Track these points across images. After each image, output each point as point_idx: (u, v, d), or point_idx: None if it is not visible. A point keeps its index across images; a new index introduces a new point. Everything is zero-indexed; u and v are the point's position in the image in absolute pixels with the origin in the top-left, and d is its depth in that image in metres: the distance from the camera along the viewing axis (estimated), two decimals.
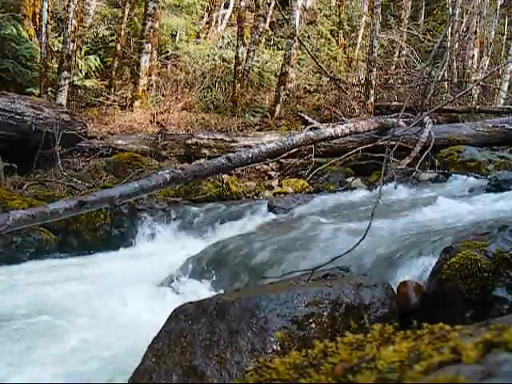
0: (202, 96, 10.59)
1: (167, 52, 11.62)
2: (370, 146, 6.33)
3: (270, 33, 13.53)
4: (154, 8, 9.67)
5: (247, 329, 1.49)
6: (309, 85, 11.50)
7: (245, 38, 10.82)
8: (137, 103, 9.55)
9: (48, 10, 9.37)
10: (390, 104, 9.93)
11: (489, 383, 0.51)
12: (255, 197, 5.64)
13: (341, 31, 13.78)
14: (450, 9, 13.99)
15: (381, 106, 9.93)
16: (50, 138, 5.81)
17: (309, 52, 11.37)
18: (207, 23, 13.37)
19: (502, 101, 12.25)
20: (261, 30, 11.93)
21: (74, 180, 5.56)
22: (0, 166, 5.33)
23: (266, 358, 0.81)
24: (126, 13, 10.90)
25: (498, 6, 14.99)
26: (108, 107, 9.78)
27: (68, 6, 8.96)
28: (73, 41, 8.97)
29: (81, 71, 10.57)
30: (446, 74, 12.57)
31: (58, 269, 3.56)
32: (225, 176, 5.59)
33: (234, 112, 9.83)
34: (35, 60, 9.58)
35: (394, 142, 5.70)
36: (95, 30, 11.70)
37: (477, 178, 5.08)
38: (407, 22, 14.49)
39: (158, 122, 8.93)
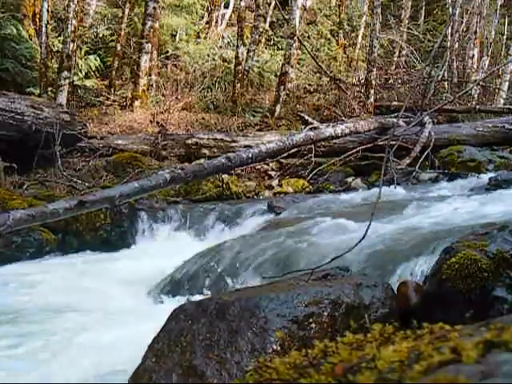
0: (202, 96, 10.59)
1: (167, 52, 11.62)
2: (370, 145, 6.33)
3: (270, 33, 13.53)
4: (154, 8, 9.67)
5: (247, 329, 1.49)
6: (309, 85, 11.49)
7: (245, 37, 10.82)
8: (137, 103, 9.55)
9: (48, 10, 9.38)
10: (390, 104, 9.93)
11: (489, 383, 0.51)
12: (255, 197, 5.64)
13: (341, 31, 13.77)
14: (450, 9, 13.98)
15: (381, 106, 9.93)
16: (50, 138, 5.81)
17: (309, 52, 11.37)
18: (207, 23, 13.37)
19: (502, 101, 12.24)
20: (261, 29, 11.94)
21: (74, 180, 5.56)
22: (0, 166, 5.33)
23: (266, 358, 0.81)
24: (126, 13, 10.90)
25: (498, 6, 14.98)
26: (108, 107, 9.78)
27: (68, 5, 8.96)
28: (73, 41, 8.97)
29: (81, 71, 10.57)
30: (446, 74, 12.56)
31: (58, 269, 3.55)
32: (225, 176, 5.59)
33: (234, 112, 9.83)
34: (35, 60, 9.58)
35: (394, 142, 5.70)
36: (95, 30, 11.70)
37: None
38: (407, 22, 14.48)
39: (158, 122, 8.93)
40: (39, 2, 10.04)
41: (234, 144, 7.00)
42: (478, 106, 9.78)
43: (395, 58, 13.63)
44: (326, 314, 1.56)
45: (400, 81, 11.90)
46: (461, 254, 1.78)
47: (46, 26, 9.20)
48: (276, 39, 13.49)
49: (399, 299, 1.80)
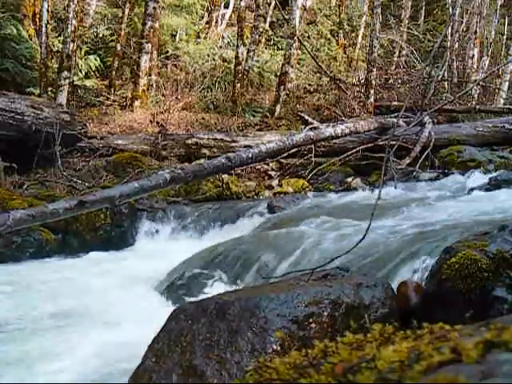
0: (202, 96, 10.59)
1: (167, 52, 11.62)
2: (370, 145, 6.33)
3: (270, 33, 13.53)
4: (154, 8, 9.67)
5: (247, 329, 1.49)
6: (309, 85, 11.49)
7: (245, 37, 10.82)
8: (137, 103, 9.55)
9: (48, 10, 9.37)
10: (390, 104, 9.93)
11: (489, 383, 0.51)
12: (255, 197, 5.64)
13: (341, 31, 13.77)
14: (450, 9, 13.99)
15: (381, 105, 9.93)
16: (50, 138, 5.81)
17: (309, 52, 11.36)
18: (207, 23, 13.37)
19: (502, 101, 12.24)
20: (261, 29, 11.93)
21: (74, 180, 5.56)
22: (0, 166, 5.33)
23: (266, 358, 0.81)
24: (126, 13, 10.89)
25: (498, 6, 14.98)
26: (108, 107, 9.78)
27: (68, 5, 8.96)
28: (73, 41, 8.97)
29: (81, 71, 10.56)
30: (446, 74, 12.56)
31: (58, 269, 3.55)
32: (225, 176, 5.59)
33: (234, 112, 9.83)
34: (35, 60, 9.58)
35: (394, 142, 5.70)
36: (95, 29, 11.70)
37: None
38: (407, 22, 14.48)
39: (157, 122, 8.92)
40: (39, 2, 10.04)
41: (234, 144, 7.00)
42: (478, 106, 9.78)
43: (395, 58, 13.62)
44: (326, 314, 1.56)
45: (400, 81, 11.89)
46: (461, 254, 1.78)
47: (46, 26, 9.19)
48: (276, 39, 13.49)
49: (399, 299, 1.79)
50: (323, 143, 6.43)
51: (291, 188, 5.82)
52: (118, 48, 10.77)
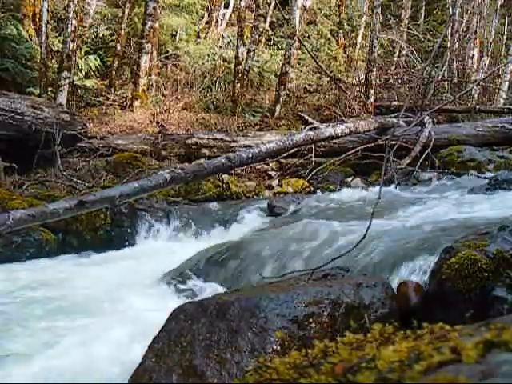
0: (202, 96, 10.59)
1: (167, 52, 11.62)
2: (370, 145, 6.33)
3: (270, 33, 13.53)
4: (154, 8, 9.67)
5: (247, 329, 1.49)
6: (309, 85, 11.49)
7: (245, 37, 10.82)
8: (137, 103, 9.55)
9: (48, 10, 9.38)
10: (390, 104, 9.93)
11: (489, 383, 0.51)
12: (255, 197, 5.64)
13: (341, 31, 13.77)
14: (450, 9, 13.99)
15: (381, 105, 9.93)
16: (50, 138, 5.81)
17: (309, 52, 11.36)
18: (207, 23, 13.37)
19: (502, 101, 12.24)
20: (261, 29, 11.94)
21: (74, 180, 5.56)
22: (0, 166, 5.33)
23: (266, 358, 0.81)
24: (126, 13, 10.90)
25: (498, 6, 14.99)
26: (108, 107, 9.78)
27: (68, 5, 8.96)
28: (73, 41, 8.97)
29: (81, 71, 10.57)
30: (445, 74, 12.56)
31: (58, 269, 3.55)
32: (225, 176, 5.59)
33: (233, 112, 9.83)
34: (35, 60, 9.59)
35: (394, 142, 5.71)
36: (95, 29, 11.71)
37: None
38: (407, 21, 14.48)
39: (157, 122, 8.93)
40: (39, 2, 10.05)
41: (233, 144, 7.00)
42: (478, 106, 9.78)
43: (395, 58, 13.63)
44: (326, 314, 1.56)
45: (400, 81, 11.90)
46: (461, 254, 1.78)
47: (46, 26, 9.20)
48: (276, 39, 13.49)
49: (399, 299, 1.80)
50: (323, 143, 6.44)
51: (291, 188, 5.82)
52: (118, 48, 10.77)
